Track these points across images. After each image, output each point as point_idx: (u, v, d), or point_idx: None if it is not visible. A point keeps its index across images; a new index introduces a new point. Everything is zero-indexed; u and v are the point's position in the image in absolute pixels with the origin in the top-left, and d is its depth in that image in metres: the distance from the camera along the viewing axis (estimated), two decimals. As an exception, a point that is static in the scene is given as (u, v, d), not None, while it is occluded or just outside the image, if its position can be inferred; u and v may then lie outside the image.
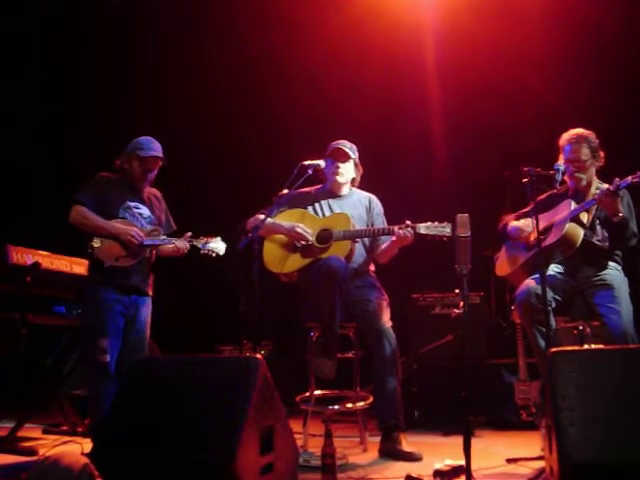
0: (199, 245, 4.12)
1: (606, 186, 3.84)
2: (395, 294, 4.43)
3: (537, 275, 3.82)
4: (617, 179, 3.71)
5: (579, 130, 4.05)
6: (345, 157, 4.27)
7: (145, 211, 4.19)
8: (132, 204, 4.14)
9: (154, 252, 4.22)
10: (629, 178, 3.65)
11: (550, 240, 3.95)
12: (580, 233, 3.93)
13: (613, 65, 6.03)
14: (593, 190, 4.00)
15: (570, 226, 3.92)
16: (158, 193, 4.37)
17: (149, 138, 4.16)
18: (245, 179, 6.93)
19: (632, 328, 3.75)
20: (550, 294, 3.75)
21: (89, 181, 4.12)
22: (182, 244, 4.09)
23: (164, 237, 4.14)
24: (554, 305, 3.88)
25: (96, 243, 3.97)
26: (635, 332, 3.75)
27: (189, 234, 4.15)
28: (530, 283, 3.91)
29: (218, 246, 4.13)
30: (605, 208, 3.85)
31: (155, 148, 4.13)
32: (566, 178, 4.00)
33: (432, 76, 6.56)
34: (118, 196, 4.11)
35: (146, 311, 4.13)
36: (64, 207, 4.08)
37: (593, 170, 4.04)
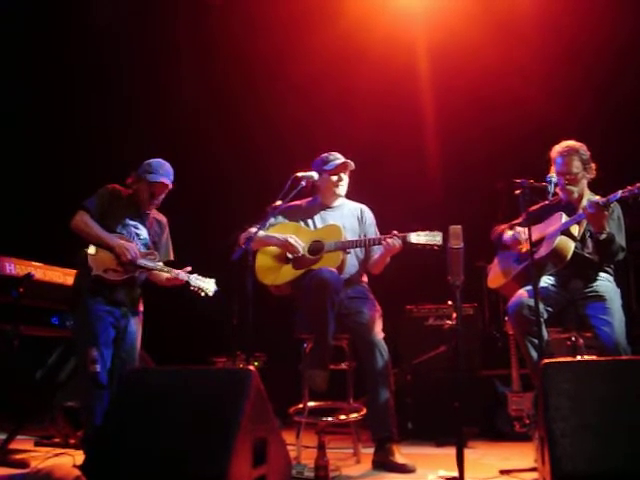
0: (190, 281, 4.12)
1: (597, 198, 3.85)
2: (388, 305, 4.43)
3: (529, 287, 3.86)
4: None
5: (570, 142, 4.06)
6: (346, 169, 4.30)
7: (143, 232, 4.19)
8: (132, 223, 4.15)
9: (145, 274, 4.21)
10: (619, 192, 3.66)
11: (541, 253, 3.97)
12: (571, 246, 3.94)
13: (608, 78, 6.07)
14: (585, 202, 4.02)
15: (560, 240, 3.93)
16: (164, 219, 4.38)
17: (160, 162, 4.17)
18: (240, 190, 6.95)
19: (624, 339, 3.75)
20: (542, 306, 3.75)
21: (99, 190, 4.13)
22: (182, 275, 4.09)
23: (160, 263, 4.15)
24: (546, 316, 3.88)
25: (91, 250, 3.97)
26: (627, 343, 3.76)
27: (189, 268, 4.15)
28: (522, 295, 3.92)
29: (208, 286, 4.14)
30: (592, 223, 3.85)
31: (164, 173, 4.13)
32: (558, 190, 4.01)
33: (426, 88, 6.59)
34: (121, 212, 4.12)
35: (137, 323, 4.13)
36: (57, 218, 4.09)
37: (585, 182, 4.06)
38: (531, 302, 3.70)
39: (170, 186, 4.17)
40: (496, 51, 6.09)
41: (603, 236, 3.82)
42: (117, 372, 3.89)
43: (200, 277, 4.13)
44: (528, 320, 3.79)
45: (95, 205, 4.05)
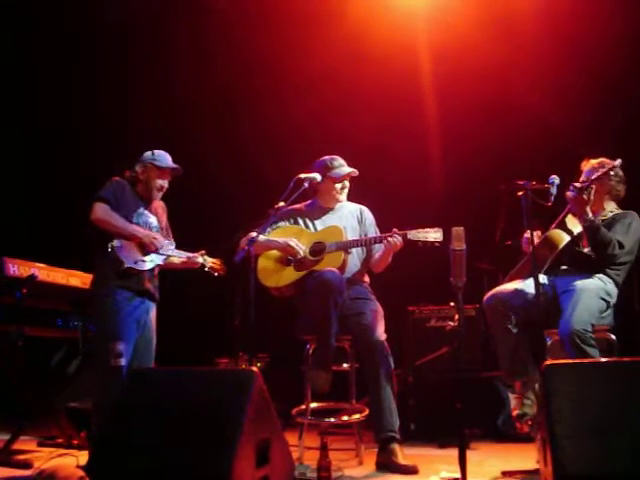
0: (205, 263, 4.26)
1: (618, 211, 3.94)
2: (391, 306, 4.44)
3: (515, 285, 3.98)
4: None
5: (604, 159, 4.07)
6: (350, 176, 4.31)
7: (154, 220, 4.22)
8: (144, 212, 4.18)
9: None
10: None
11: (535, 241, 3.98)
12: (563, 237, 3.99)
13: (613, 82, 6.06)
14: (606, 212, 4.07)
15: (553, 230, 4.02)
16: (163, 204, 4.40)
17: (162, 151, 4.24)
18: (241, 192, 6.96)
19: (582, 327, 3.64)
20: (514, 304, 3.88)
21: (109, 182, 4.13)
22: (197, 258, 4.23)
23: (175, 248, 4.23)
24: (514, 321, 3.90)
25: (117, 243, 3.96)
26: (590, 337, 3.65)
27: (203, 252, 4.26)
28: (499, 289, 4.01)
29: (220, 267, 4.32)
30: (574, 209, 3.91)
31: (170, 159, 4.23)
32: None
33: (428, 90, 6.59)
34: (133, 201, 4.14)
35: (154, 317, 4.15)
36: (61, 219, 4.10)
37: (602, 192, 4.01)
38: (504, 297, 3.92)
39: (178, 171, 4.24)
40: (500, 54, 6.07)
41: (587, 223, 3.85)
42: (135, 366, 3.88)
43: (211, 259, 4.30)
44: (498, 312, 3.91)
45: (110, 194, 4.05)
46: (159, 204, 4.36)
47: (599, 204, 4.05)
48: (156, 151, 4.22)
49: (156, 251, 4.06)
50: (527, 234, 4.23)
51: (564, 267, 4.05)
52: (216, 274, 4.30)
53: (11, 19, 6.52)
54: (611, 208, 4.10)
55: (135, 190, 4.19)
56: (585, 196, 3.79)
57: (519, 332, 3.87)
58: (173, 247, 4.22)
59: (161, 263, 4.16)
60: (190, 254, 4.23)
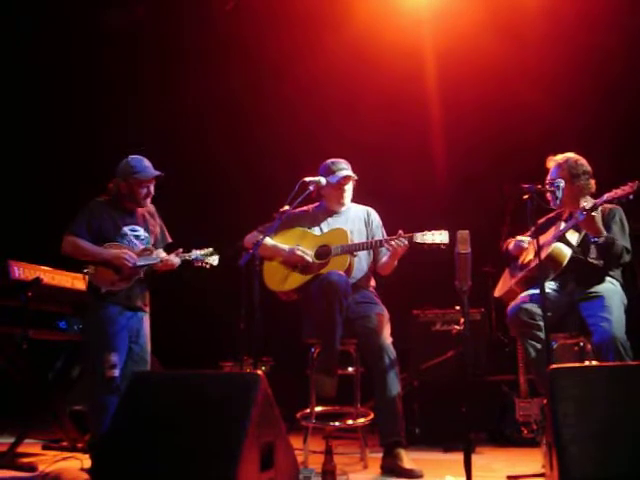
0: (191, 258, 4.17)
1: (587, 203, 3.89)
2: (396, 310, 4.43)
3: (529, 292, 3.97)
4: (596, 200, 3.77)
5: (567, 154, 4.08)
6: (350, 180, 4.30)
7: (141, 233, 4.20)
8: (127, 228, 4.15)
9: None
10: (605, 195, 3.70)
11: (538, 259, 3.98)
12: (566, 253, 3.96)
13: (615, 83, 6.05)
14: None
15: (555, 246, 3.97)
16: (152, 208, 4.35)
17: (139, 158, 4.18)
18: (247, 194, 6.97)
19: (623, 335, 3.71)
20: (539, 310, 3.82)
21: (82, 211, 4.12)
22: (173, 259, 4.13)
23: (155, 256, 4.14)
24: (543, 322, 3.90)
25: (90, 270, 4.01)
26: (629, 345, 3.71)
27: (180, 250, 4.18)
28: (520, 299, 3.98)
29: (210, 256, 4.20)
30: (587, 229, 3.87)
31: (150, 167, 4.16)
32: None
33: (433, 92, 6.60)
34: (113, 223, 4.12)
35: (147, 325, 4.16)
36: (66, 222, 4.10)
37: (574, 194, 4.03)
38: (528, 306, 3.87)
39: (161, 176, 4.18)
40: (503, 56, 6.08)
41: (601, 240, 3.84)
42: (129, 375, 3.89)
43: (198, 251, 4.18)
44: (526, 323, 3.87)
45: (81, 225, 4.05)
46: (146, 210, 4.31)
47: (575, 205, 4.03)
48: (132, 160, 4.14)
49: (131, 267, 4.02)
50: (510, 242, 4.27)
51: (573, 275, 4.03)
52: (207, 266, 4.18)
53: (20, 22, 6.55)
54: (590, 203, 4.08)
55: (118, 204, 4.17)
56: (595, 214, 3.78)
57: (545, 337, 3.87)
58: (150, 256, 4.13)
59: (141, 276, 4.11)
60: (164, 257, 4.13)
